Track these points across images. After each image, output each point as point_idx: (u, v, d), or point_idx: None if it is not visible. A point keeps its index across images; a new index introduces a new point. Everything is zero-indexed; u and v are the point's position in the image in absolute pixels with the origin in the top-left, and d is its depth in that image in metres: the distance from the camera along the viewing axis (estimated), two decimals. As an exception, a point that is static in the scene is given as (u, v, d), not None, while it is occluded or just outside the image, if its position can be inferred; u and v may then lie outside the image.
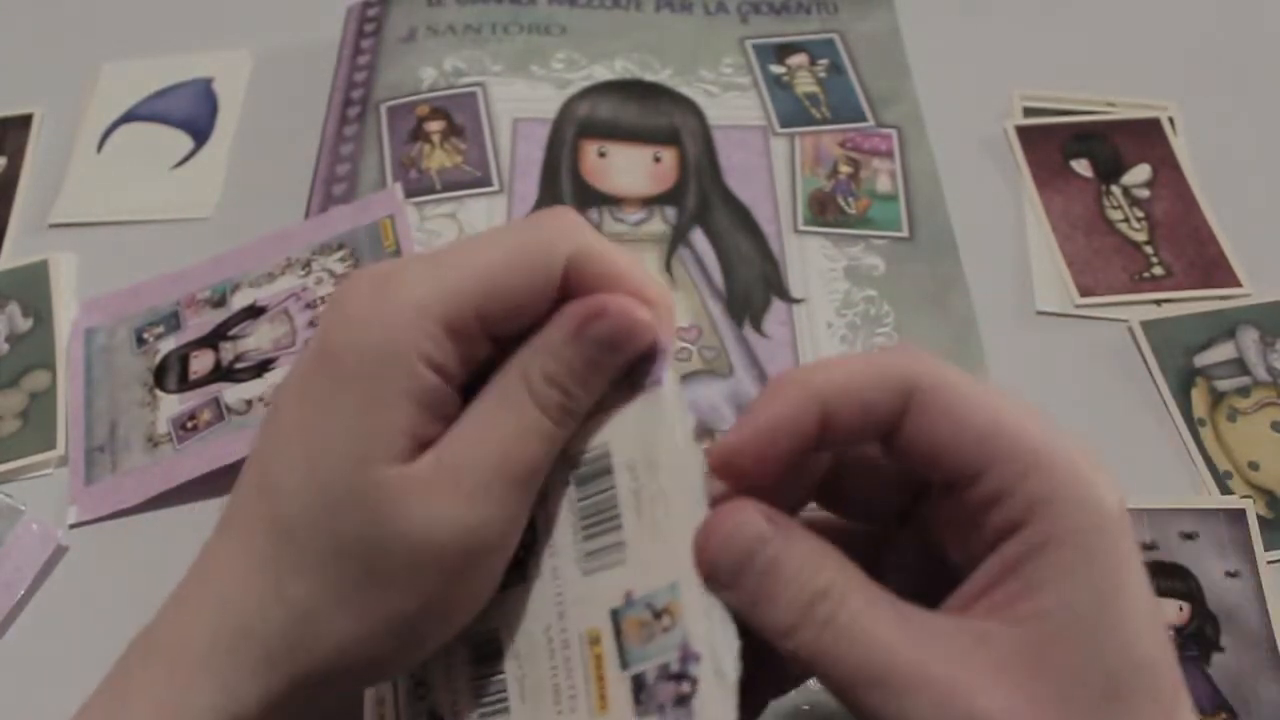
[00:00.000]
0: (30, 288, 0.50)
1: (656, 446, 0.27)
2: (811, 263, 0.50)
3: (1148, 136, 0.55)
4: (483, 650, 0.30)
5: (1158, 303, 0.49)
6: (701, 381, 0.46)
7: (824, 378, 0.25)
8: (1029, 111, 0.57)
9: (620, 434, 0.28)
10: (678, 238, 0.50)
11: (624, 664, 0.26)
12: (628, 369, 0.28)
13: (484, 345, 0.28)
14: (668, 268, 0.50)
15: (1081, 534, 0.23)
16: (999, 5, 0.62)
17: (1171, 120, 0.56)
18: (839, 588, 0.24)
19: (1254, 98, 0.58)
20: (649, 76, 0.57)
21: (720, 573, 0.25)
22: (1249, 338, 0.48)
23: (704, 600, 0.25)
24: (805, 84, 0.57)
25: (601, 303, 0.27)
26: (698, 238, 0.51)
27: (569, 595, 0.28)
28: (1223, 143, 0.55)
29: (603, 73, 0.57)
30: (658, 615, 0.26)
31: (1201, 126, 0.56)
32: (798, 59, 0.58)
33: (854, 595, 0.24)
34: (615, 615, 0.27)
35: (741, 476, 0.26)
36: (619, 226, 0.51)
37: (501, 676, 0.29)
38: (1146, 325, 0.48)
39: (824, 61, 0.58)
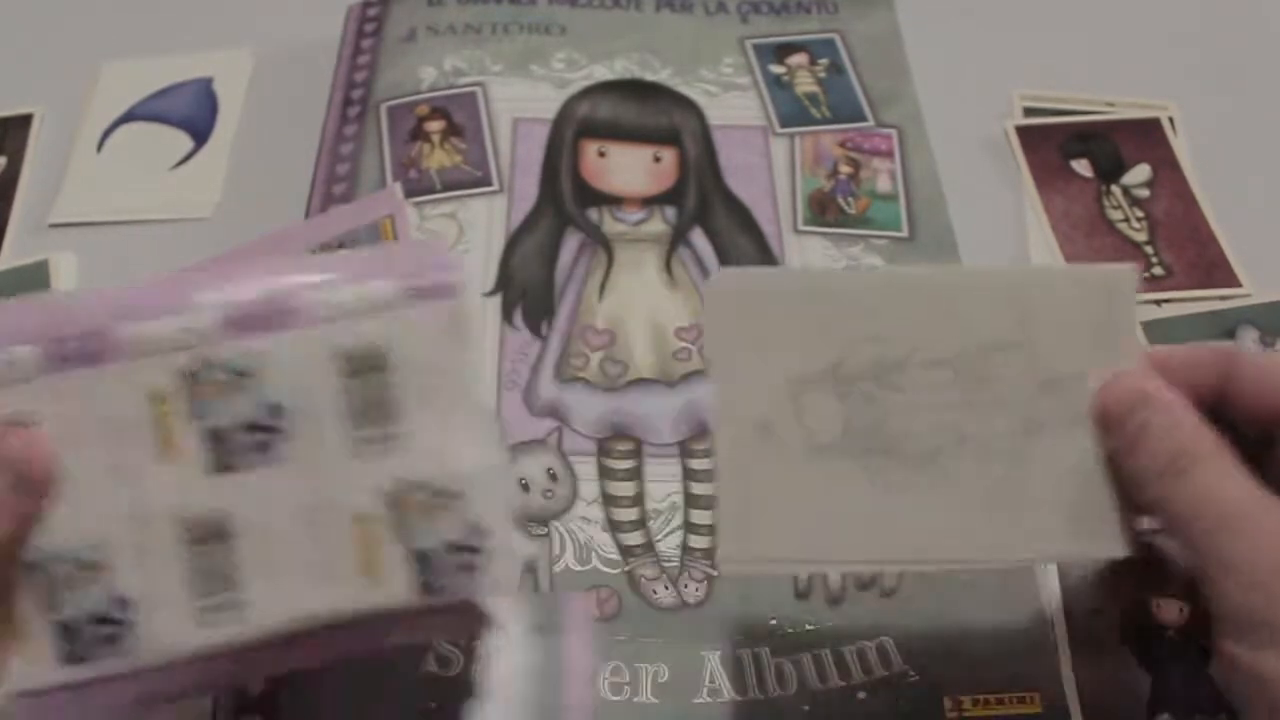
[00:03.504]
0: (30, 288, 0.50)
1: (446, 353, 0.30)
2: (811, 263, 0.50)
3: (1148, 136, 0.55)
4: (200, 531, 0.30)
5: (1158, 303, 0.49)
6: (701, 382, 0.46)
7: (1165, 352, 0.32)
8: (1029, 111, 0.57)
9: (402, 336, 0.30)
10: (677, 237, 0.50)
11: (402, 540, 0.30)
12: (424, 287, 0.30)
13: None
14: (667, 267, 0.50)
15: None
16: (999, 5, 0.62)
17: (1171, 120, 0.56)
18: (1199, 450, 0.28)
19: (1254, 98, 0.58)
20: (649, 76, 0.57)
21: (1108, 419, 0.30)
22: (1249, 338, 0.48)
23: (494, 488, 0.30)
24: (805, 84, 0.57)
25: None
26: (697, 237, 0.51)
27: (331, 479, 0.30)
28: (1223, 143, 0.55)
29: (603, 73, 0.57)
30: (439, 496, 0.30)
31: (1201, 126, 0.56)
32: (798, 59, 0.58)
33: (1211, 457, 0.28)
34: (392, 497, 0.30)
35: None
36: (619, 226, 0.51)
37: (230, 557, 0.30)
38: (1147, 325, 0.48)
39: (824, 61, 0.58)
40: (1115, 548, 0.31)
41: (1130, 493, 0.30)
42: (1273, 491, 0.28)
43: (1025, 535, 0.31)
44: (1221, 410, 0.30)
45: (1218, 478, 0.28)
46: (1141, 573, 0.33)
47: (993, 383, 0.31)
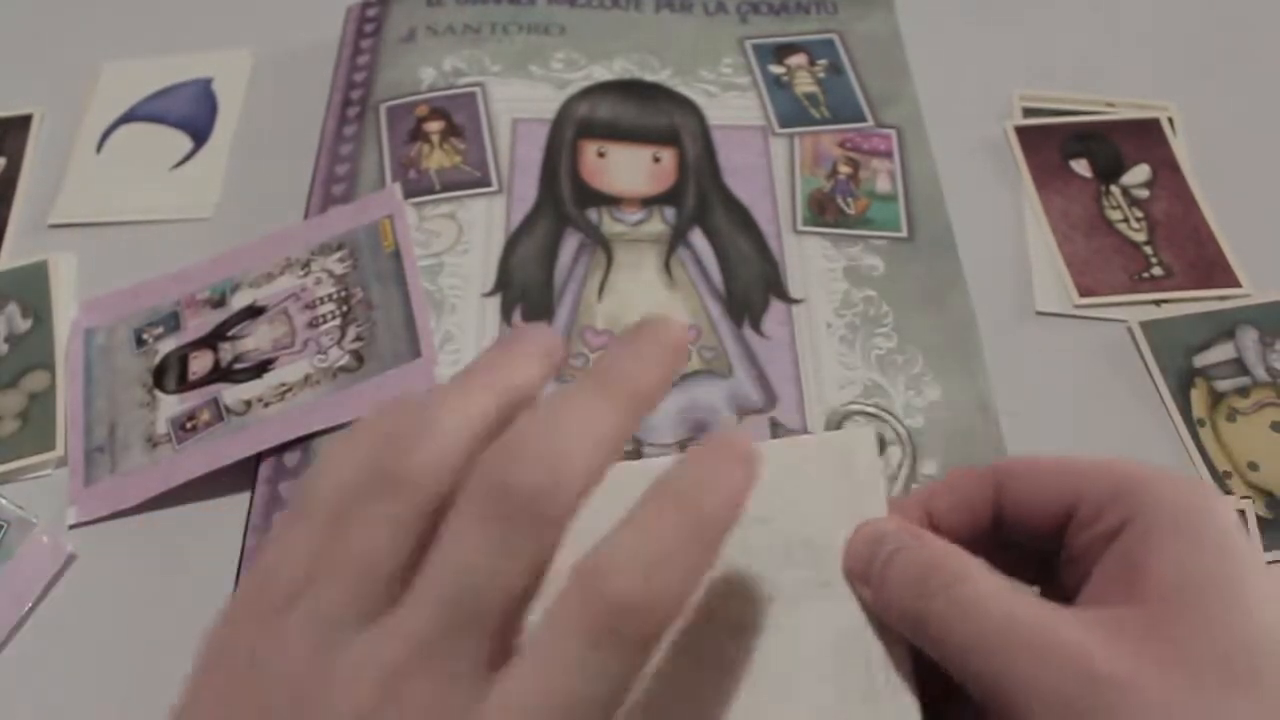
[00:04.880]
0: (30, 288, 0.50)
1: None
2: (811, 263, 0.50)
3: (1147, 136, 0.55)
4: None
5: (1157, 303, 0.49)
6: (700, 382, 0.46)
7: (926, 492, 0.29)
8: (1029, 112, 0.57)
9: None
10: (677, 238, 0.50)
11: None
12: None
13: None
14: (667, 268, 0.50)
15: (1186, 520, 0.24)
16: (999, 5, 0.62)
17: (1171, 120, 0.56)
18: (959, 570, 0.25)
19: (1254, 98, 0.58)
20: (648, 76, 0.57)
21: (855, 569, 0.27)
22: (1248, 338, 0.48)
23: None
24: (805, 84, 0.57)
25: None
26: (697, 238, 0.51)
27: None
28: (1223, 143, 0.55)
29: (602, 73, 0.57)
30: None
31: (1201, 126, 0.56)
32: (797, 59, 0.58)
33: (976, 575, 0.25)
34: None
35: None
36: (618, 227, 0.51)
37: None
38: (1146, 325, 0.48)
39: (823, 61, 0.58)
40: (900, 710, 0.27)
41: (898, 637, 0.27)
42: (1063, 602, 0.26)
43: (807, 711, 0.28)
44: (1002, 533, 0.28)
45: (975, 593, 0.24)
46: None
47: (747, 559, 0.29)
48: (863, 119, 0.55)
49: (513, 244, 0.50)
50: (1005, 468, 0.28)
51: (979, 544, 0.27)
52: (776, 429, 0.45)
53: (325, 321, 0.47)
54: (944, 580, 0.25)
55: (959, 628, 0.24)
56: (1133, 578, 0.24)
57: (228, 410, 0.45)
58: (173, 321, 0.48)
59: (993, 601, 0.24)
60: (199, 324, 0.48)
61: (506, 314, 0.48)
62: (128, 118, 0.57)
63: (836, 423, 0.45)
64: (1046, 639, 0.23)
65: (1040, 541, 0.27)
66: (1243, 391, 0.46)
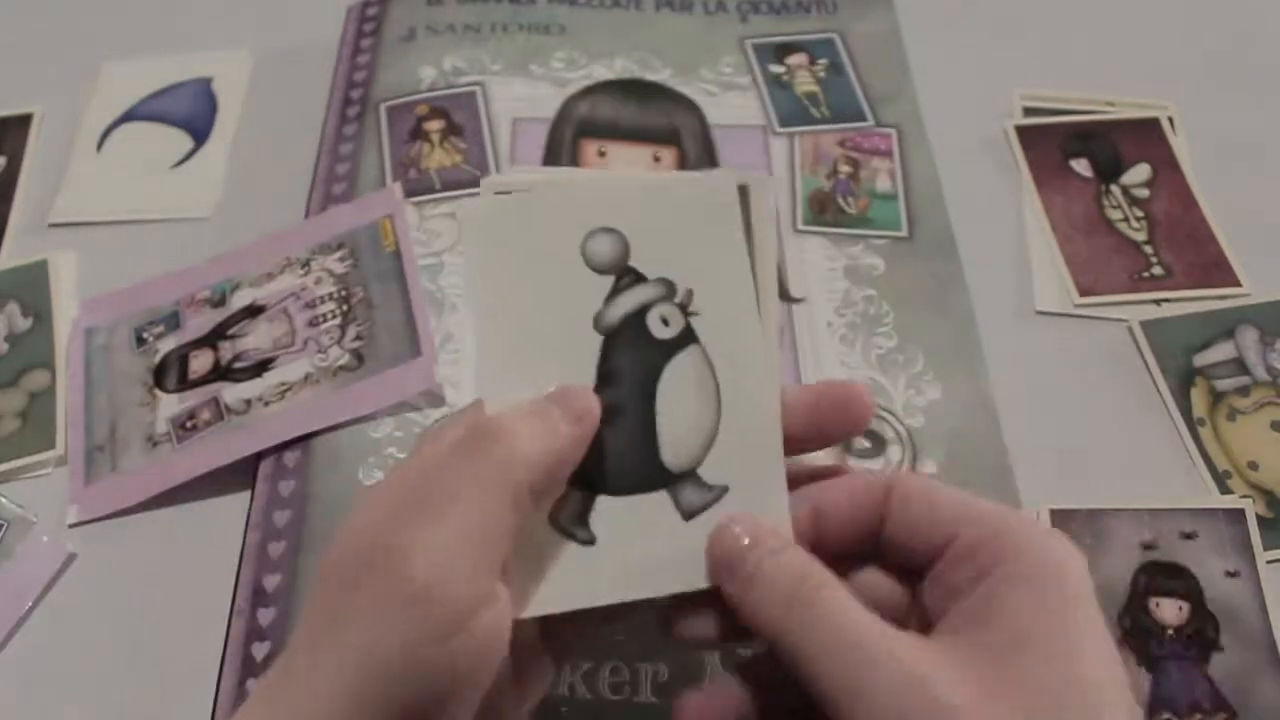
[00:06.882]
0: (30, 287, 0.50)
1: None
2: (811, 262, 0.50)
3: (1147, 136, 0.55)
4: None
5: (1157, 303, 0.49)
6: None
7: (818, 488, 0.30)
8: (1029, 111, 0.57)
9: None
10: (677, 237, 0.50)
11: None
12: None
13: None
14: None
15: (1043, 573, 0.26)
16: (999, 5, 0.62)
17: (1171, 120, 0.56)
18: (816, 582, 0.27)
19: (1254, 98, 0.58)
20: (649, 76, 0.57)
21: (718, 567, 0.28)
22: (1249, 338, 0.48)
23: None
24: (805, 83, 0.57)
25: None
26: (697, 237, 0.50)
27: None
28: (1223, 143, 0.55)
29: (602, 72, 0.57)
30: None
31: (1201, 126, 0.56)
32: (797, 58, 0.58)
33: (831, 589, 0.26)
34: None
35: None
36: (618, 226, 0.51)
37: None
38: (1146, 325, 0.48)
39: (823, 61, 0.58)
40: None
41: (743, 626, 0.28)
42: (914, 622, 0.28)
43: None
44: (878, 543, 0.29)
45: (841, 607, 0.26)
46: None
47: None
48: (863, 118, 0.55)
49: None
50: (901, 489, 0.29)
51: (859, 548, 0.29)
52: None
53: (325, 321, 0.47)
54: (810, 591, 0.26)
55: (815, 638, 0.26)
56: (988, 617, 0.26)
57: (228, 409, 0.45)
58: (173, 321, 0.48)
59: (848, 618, 0.26)
60: (199, 323, 0.48)
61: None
62: (128, 117, 0.57)
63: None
64: (894, 661, 0.25)
65: (911, 559, 0.29)
66: (1243, 391, 0.46)
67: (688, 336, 0.30)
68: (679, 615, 0.29)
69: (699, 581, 0.29)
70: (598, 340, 0.29)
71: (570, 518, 0.29)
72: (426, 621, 0.25)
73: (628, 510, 0.29)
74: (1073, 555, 0.26)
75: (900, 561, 0.29)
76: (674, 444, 0.29)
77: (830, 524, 0.29)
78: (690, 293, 0.30)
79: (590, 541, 0.29)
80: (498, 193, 0.30)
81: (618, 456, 0.29)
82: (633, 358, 0.29)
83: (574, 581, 0.29)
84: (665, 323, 0.30)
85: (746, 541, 0.28)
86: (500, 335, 0.29)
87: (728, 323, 0.30)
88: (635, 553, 0.29)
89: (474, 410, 0.29)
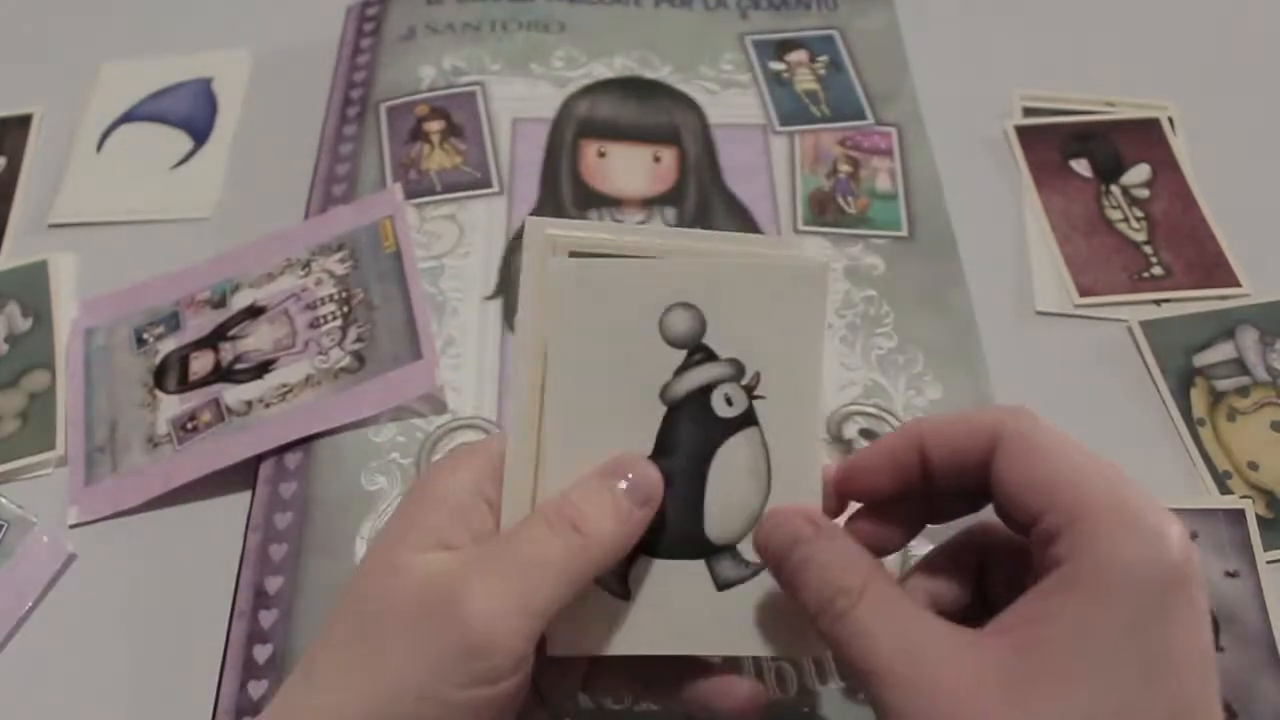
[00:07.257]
0: (30, 288, 0.50)
1: None
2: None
3: (1147, 136, 0.55)
4: None
5: (1157, 303, 0.49)
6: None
7: (928, 423, 0.29)
8: (1029, 111, 0.57)
9: None
10: (677, 238, 0.50)
11: None
12: None
13: None
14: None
15: (1109, 577, 0.24)
16: (999, 5, 0.62)
17: (1171, 120, 0.56)
18: (859, 588, 0.27)
19: (1254, 98, 0.58)
20: (649, 74, 0.57)
21: (768, 557, 0.29)
22: (1249, 338, 0.48)
23: None
24: (805, 81, 0.57)
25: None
26: (697, 238, 0.50)
27: None
28: (1223, 143, 0.55)
29: (602, 70, 0.57)
30: None
31: (1201, 126, 0.56)
32: (797, 55, 0.58)
33: (872, 597, 0.27)
34: None
35: (853, 492, 0.31)
36: (619, 226, 0.51)
37: None
38: (1146, 325, 0.48)
39: (823, 58, 0.58)
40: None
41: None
42: (1019, 584, 0.27)
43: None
44: (932, 483, 0.29)
45: (874, 620, 0.26)
46: None
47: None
48: (863, 116, 0.55)
49: (514, 247, 0.50)
50: (1007, 437, 0.28)
51: (912, 496, 0.30)
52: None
53: (326, 322, 0.47)
54: (848, 600, 0.27)
55: (855, 646, 0.27)
56: (1037, 620, 0.25)
57: (229, 410, 0.45)
58: (173, 321, 0.48)
59: (883, 628, 0.26)
60: (199, 324, 0.48)
61: (508, 318, 0.48)
62: (128, 117, 0.57)
63: (837, 424, 0.45)
64: (916, 676, 0.25)
65: (968, 482, 0.28)
66: (1243, 391, 0.46)
67: (748, 418, 0.30)
68: (690, 678, 0.32)
69: (722, 649, 0.31)
70: (662, 410, 0.30)
71: (611, 572, 0.30)
72: (473, 669, 0.27)
73: (665, 573, 0.31)
74: (1162, 549, 0.24)
75: (957, 488, 0.29)
76: (719, 519, 0.31)
77: (867, 481, 0.30)
78: (758, 375, 0.30)
79: (626, 596, 0.31)
80: (573, 253, 0.30)
81: (664, 522, 0.30)
82: (692, 432, 0.30)
83: (605, 630, 0.31)
84: (729, 402, 0.30)
85: None
86: (569, 392, 0.30)
87: (788, 410, 0.31)
88: (667, 613, 0.31)
89: (495, 443, 0.31)
